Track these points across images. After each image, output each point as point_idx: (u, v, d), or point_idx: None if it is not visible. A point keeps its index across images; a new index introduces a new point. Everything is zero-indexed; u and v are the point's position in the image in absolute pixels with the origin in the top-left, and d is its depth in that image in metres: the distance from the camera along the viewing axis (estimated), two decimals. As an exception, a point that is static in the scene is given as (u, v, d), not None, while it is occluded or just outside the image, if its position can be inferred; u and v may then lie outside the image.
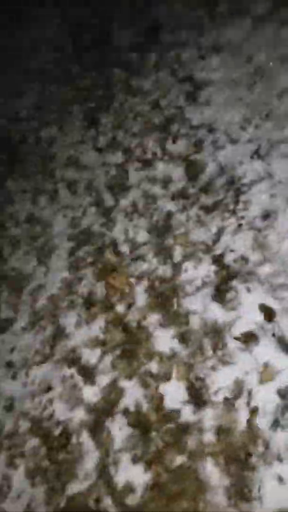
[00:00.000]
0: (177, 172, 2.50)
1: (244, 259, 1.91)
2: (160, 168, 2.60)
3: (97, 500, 1.57)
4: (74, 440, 1.76)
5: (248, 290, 1.80)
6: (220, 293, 1.86)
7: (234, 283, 1.86)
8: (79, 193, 2.87)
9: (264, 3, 3.01)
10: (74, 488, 1.66)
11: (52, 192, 3.05)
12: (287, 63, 2.63)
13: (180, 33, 3.25)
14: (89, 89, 3.52)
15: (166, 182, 2.50)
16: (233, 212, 2.11)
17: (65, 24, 4.22)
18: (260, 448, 1.46)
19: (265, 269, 1.82)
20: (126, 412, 1.76)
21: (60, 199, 2.97)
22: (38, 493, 1.70)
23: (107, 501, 1.56)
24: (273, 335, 1.63)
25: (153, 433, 1.64)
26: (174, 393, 1.71)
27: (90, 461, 1.68)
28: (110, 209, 2.62)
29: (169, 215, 2.33)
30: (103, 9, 4.03)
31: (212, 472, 1.47)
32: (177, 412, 1.65)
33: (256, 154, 2.23)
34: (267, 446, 1.45)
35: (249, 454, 1.45)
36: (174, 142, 2.65)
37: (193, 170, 2.45)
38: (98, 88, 3.45)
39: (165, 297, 2.00)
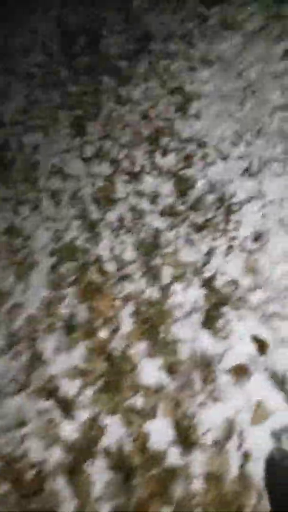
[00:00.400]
0: (166, 187, 2.35)
1: (235, 283, 1.76)
2: (149, 182, 2.44)
3: None
4: (48, 486, 1.57)
5: (240, 318, 1.65)
6: (210, 320, 1.71)
7: (225, 309, 1.71)
8: (63, 204, 2.69)
9: (255, 18, 2.90)
10: (48, 539, 1.47)
11: (34, 202, 2.85)
12: (278, 80, 2.52)
13: (171, 44, 3.11)
14: (77, 96, 3.35)
15: (154, 197, 2.34)
16: (224, 232, 1.96)
17: (57, 29, 4.05)
18: (253, 500, 1.30)
19: (257, 296, 1.68)
20: (107, 453, 1.58)
21: (43, 210, 2.78)
22: None
23: None
24: (266, 369, 1.48)
25: (137, 479, 1.47)
26: (159, 433, 1.54)
27: (67, 511, 1.50)
28: (95, 223, 2.45)
29: (158, 232, 2.16)
30: (95, 16, 3.88)
31: (201, 526, 1.30)
32: (163, 454, 1.49)
33: (247, 172, 2.10)
34: (260, 497, 1.29)
35: (241, 507, 1.29)
36: (163, 155, 2.50)
37: (182, 185, 2.30)
38: (87, 95, 3.28)
39: (152, 323, 1.83)
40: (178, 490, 1.40)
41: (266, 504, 1.28)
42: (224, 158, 2.23)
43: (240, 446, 1.38)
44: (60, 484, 1.59)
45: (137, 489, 1.45)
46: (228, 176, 2.14)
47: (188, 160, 2.38)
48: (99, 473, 1.54)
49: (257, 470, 1.31)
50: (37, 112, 3.43)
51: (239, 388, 1.49)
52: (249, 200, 1.98)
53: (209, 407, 1.51)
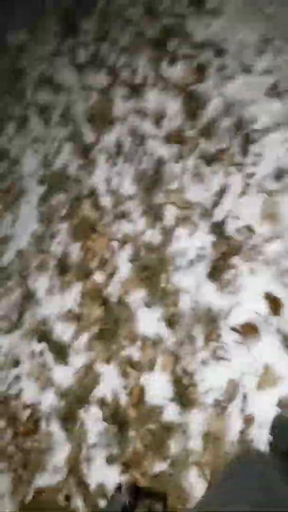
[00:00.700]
0: (173, 106, 1.94)
1: (249, 230, 1.51)
2: (152, 98, 2.02)
3: (67, 498, 1.39)
4: (43, 427, 1.52)
5: (252, 271, 1.44)
6: (218, 272, 1.50)
7: (236, 260, 1.49)
8: (53, 123, 2.28)
9: None
10: (42, 480, 1.46)
11: (21, 119, 2.44)
12: None
13: None
14: (67, -19, 2.67)
15: (158, 117, 1.95)
16: (240, 167, 1.64)
17: None
18: (252, 462, 1.24)
19: (274, 247, 1.44)
20: (102, 403, 1.50)
21: (31, 129, 2.38)
22: (3, 482, 1.51)
23: (78, 501, 1.38)
24: (278, 331, 1.32)
25: (132, 432, 1.40)
26: (157, 387, 1.43)
27: (61, 453, 1.46)
28: (89, 147, 2.09)
29: (161, 162, 1.84)
30: None
31: (196, 484, 1.26)
32: (160, 409, 1.40)
33: (274, 91, 1.69)
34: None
35: (239, 468, 1.23)
36: (170, 64, 2.03)
37: (192, 104, 1.89)
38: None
39: (152, 270, 1.62)
40: (174, 447, 1.34)
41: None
42: (246, 70, 1.79)
43: (243, 410, 1.28)
44: (54, 427, 1.54)
45: (132, 441, 1.39)
46: (249, 95, 1.74)
47: (200, 71, 1.93)
48: (93, 421, 1.48)
49: (258, 436, 1.23)
50: (22, 7, 2.78)
51: (246, 349, 1.34)
52: (274, 128, 1.62)
53: (211, 366, 1.38)
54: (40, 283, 1.86)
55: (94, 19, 2.38)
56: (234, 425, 1.28)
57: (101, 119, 2.11)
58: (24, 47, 2.74)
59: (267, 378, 1.27)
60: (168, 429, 1.36)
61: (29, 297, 1.87)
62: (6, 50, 2.81)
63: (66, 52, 2.42)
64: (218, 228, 1.57)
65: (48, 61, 2.49)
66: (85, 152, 2.07)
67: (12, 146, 2.37)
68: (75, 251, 1.83)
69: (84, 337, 1.63)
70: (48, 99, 2.37)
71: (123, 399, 1.47)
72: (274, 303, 1.35)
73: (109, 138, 2.02)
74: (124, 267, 1.68)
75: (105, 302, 1.65)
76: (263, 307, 1.37)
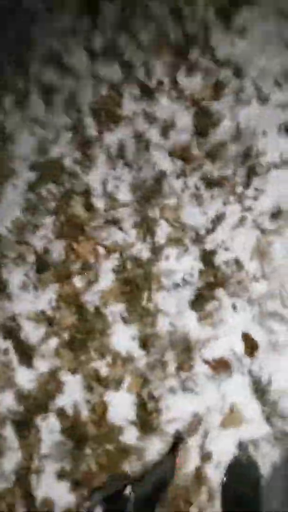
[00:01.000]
0: (184, 118, 1.87)
1: (238, 265, 1.49)
2: (164, 104, 1.93)
3: (10, 508, 1.34)
4: (-4, 429, 1.46)
5: (234, 307, 1.42)
6: (201, 301, 1.47)
7: (220, 293, 1.46)
8: (56, 108, 2.14)
9: None
10: (-13, 484, 1.40)
11: (21, 95, 2.28)
12: None
13: None
14: None
15: (167, 127, 1.87)
16: (240, 197, 1.61)
17: None
18: (203, 497, 1.24)
19: (260, 287, 1.43)
20: (61, 414, 1.45)
21: (31, 107, 2.23)
22: None
23: (21, 512, 1.33)
24: (250, 373, 1.32)
25: (88, 450, 1.37)
26: (120, 407, 1.40)
27: (11, 460, 1.41)
28: (90, 142, 1.98)
29: (162, 175, 1.77)
30: None
31: None
32: (120, 431, 1.37)
33: (286, 128, 1.67)
34: (211, 498, 1.23)
35: (188, 502, 1.23)
36: (189, 74, 1.95)
37: (204, 121, 1.83)
38: None
39: (135, 285, 1.57)
40: (128, 470, 1.32)
41: (216, 504, 1.22)
42: (263, 100, 1.75)
43: (202, 446, 1.28)
44: (8, 431, 1.48)
45: (87, 459, 1.36)
46: (262, 126, 1.70)
47: (217, 89, 1.87)
48: (50, 432, 1.43)
49: (213, 476, 1.23)
50: None
51: (216, 385, 1.33)
52: (280, 165, 1.59)
53: (179, 395, 1.36)
54: (15, 276, 1.75)
55: (117, 3, 2.24)
56: (191, 459, 1.27)
57: (107, 114, 2.00)
58: (37, 15, 2.55)
59: (231, 418, 1.28)
60: (125, 452, 1.34)
61: (0, 289, 1.77)
62: (18, 15, 2.60)
63: (81, 33, 2.27)
64: (208, 256, 1.54)
65: (60, 38, 2.32)
66: (85, 146, 1.96)
67: (7, 121, 2.21)
68: (57, 249, 1.74)
69: (53, 342, 1.57)
70: (53, 79, 2.21)
71: (84, 414, 1.43)
72: (250, 344, 1.34)
73: (113, 137, 1.93)
74: (107, 276, 1.62)
75: (80, 309, 1.59)
76: (239, 346, 1.36)
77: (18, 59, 2.34)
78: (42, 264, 1.73)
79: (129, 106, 2.00)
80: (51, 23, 2.40)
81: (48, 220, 1.83)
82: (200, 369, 1.38)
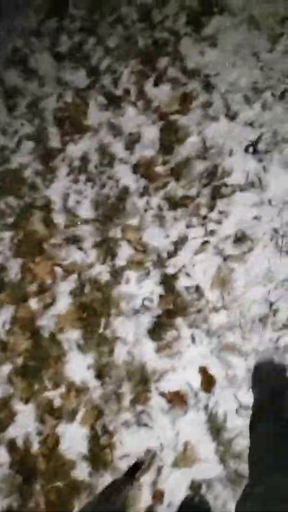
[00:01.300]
0: (150, 131, 1.77)
1: (199, 292, 1.42)
2: (130, 115, 1.82)
3: None
4: None
5: (193, 339, 1.36)
6: (159, 330, 1.40)
7: (179, 321, 1.39)
8: (18, 113, 2.00)
9: None
10: None
11: (-17, 96, 2.12)
12: None
13: None
14: None
15: (133, 140, 1.77)
16: (203, 220, 1.54)
17: None
18: (153, 538, 1.19)
19: (219, 318, 1.36)
20: (11, 446, 1.36)
21: (-8, 111, 2.08)
22: None
23: None
24: (206, 409, 1.26)
25: (37, 486, 1.29)
26: (73, 440, 1.33)
27: None
28: (52, 153, 1.86)
29: (125, 193, 1.67)
30: None
31: None
32: (72, 465, 1.30)
33: (253, 148, 1.59)
34: (161, 538, 1.18)
35: None
36: (156, 84, 1.84)
37: (170, 136, 1.74)
38: None
39: (93, 310, 1.48)
40: (78, 507, 1.25)
41: None
42: (231, 116, 1.66)
43: (154, 483, 1.22)
44: None
45: (36, 495, 1.29)
46: (229, 144, 1.62)
47: (185, 101, 1.78)
48: (-1, 465, 1.35)
49: (165, 515, 1.18)
50: None
51: (172, 420, 1.27)
52: (245, 188, 1.52)
53: (133, 430, 1.29)
54: None
55: (85, 5, 2.10)
56: (142, 497, 1.21)
57: (72, 124, 1.88)
58: (3, 11, 2.38)
59: (185, 457, 1.22)
60: (75, 488, 1.27)
61: None
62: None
63: (47, 35, 2.12)
64: (168, 281, 1.47)
65: (25, 39, 2.17)
66: (47, 157, 1.84)
67: None
68: (14, 268, 1.63)
69: (6, 369, 1.47)
70: (17, 82, 2.07)
71: (35, 447, 1.35)
72: (207, 379, 1.28)
73: (76, 149, 1.81)
74: (64, 299, 1.52)
75: (35, 334, 1.49)
76: (196, 380, 1.30)
77: (-21, 58, 2.18)
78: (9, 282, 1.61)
79: (94, 115, 1.88)
80: (17, 22, 2.24)
81: (6, 235, 1.71)
82: (156, 403, 1.31)
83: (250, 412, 1.17)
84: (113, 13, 2.01)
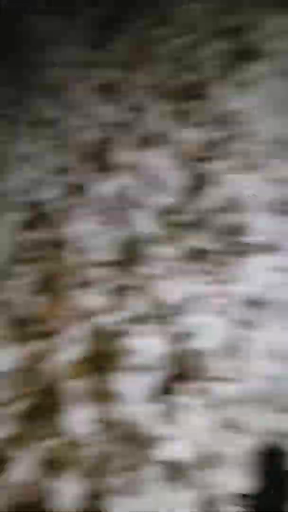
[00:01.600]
0: (175, 177, 1.70)
1: (207, 358, 1.34)
2: (155, 157, 1.77)
3: None
4: None
5: (194, 409, 1.27)
6: (163, 393, 1.33)
7: (183, 388, 1.32)
8: (45, 147, 1.99)
9: None
10: None
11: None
12: None
13: None
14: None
15: (155, 184, 1.71)
16: (219, 279, 1.45)
17: None
18: None
19: (227, 389, 1.28)
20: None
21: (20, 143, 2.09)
22: None
23: None
24: (197, 485, 1.18)
25: None
26: (66, 497, 1.29)
27: None
28: (80, 188, 1.83)
29: (141, 239, 1.62)
30: None
31: None
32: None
33: (282, 207, 1.49)
34: None
35: None
36: (185, 127, 1.77)
37: (196, 183, 1.66)
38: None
39: (98, 361, 1.44)
40: None
41: None
42: (260, 170, 1.56)
43: None
44: None
45: None
46: (256, 199, 1.52)
47: (214, 148, 1.69)
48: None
49: None
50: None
51: (166, 492, 1.20)
52: (269, 249, 1.42)
53: (124, 500, 1.24)
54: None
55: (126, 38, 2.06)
56: None
57: (97, 161, 1.84)
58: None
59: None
60: None
61: None
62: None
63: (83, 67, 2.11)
64: (177, 342, 1.39)
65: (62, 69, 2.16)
66: (76, 192, 1.81)
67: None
68: (32, 306, 1.61)
69: (5, 411, 1.46)
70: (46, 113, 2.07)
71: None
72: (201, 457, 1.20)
73: (100, 188, 1.77)
74: (71, 347, 1.49)
75: (37, 379, 1.47)
76: (191, 453, 1.22)
77: None
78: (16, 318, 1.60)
79: (120, 154, 1.84)
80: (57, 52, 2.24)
81: (27, 270, 1.70)
82: (153, 472, 1.24)
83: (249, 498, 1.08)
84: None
